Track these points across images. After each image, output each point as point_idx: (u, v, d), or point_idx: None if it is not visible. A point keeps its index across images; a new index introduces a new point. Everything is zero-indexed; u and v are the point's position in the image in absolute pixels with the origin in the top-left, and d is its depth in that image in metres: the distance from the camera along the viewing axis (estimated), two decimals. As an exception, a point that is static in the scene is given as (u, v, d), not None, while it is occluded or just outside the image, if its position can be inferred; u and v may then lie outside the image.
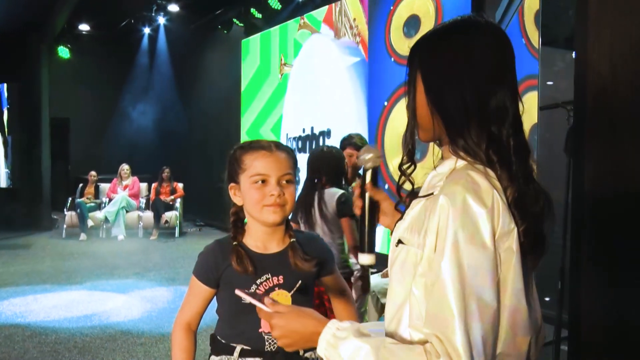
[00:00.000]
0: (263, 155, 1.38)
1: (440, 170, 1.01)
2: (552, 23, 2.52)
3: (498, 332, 0.91)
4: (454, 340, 0.86)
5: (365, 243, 1.15)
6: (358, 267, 2.89)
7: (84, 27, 10.22)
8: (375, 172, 1.17)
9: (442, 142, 1.04)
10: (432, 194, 0.98)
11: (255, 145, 1.42)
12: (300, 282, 1.41)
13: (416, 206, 1.01)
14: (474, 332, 0.86)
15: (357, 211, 1.17)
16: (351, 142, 3.38)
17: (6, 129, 9.92)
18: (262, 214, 1.38)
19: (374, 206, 1.17)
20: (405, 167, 1.09)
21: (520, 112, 0.99)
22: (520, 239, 0.92)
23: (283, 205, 1.37)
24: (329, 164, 2.87)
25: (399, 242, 1.02)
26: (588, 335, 1.53)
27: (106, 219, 8.54)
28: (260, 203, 1.37)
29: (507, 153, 0.95)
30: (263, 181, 1.37)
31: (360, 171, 1.21)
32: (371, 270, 3.11)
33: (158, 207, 8.70)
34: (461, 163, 0.97)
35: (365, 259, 1.14)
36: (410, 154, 1.07)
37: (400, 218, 1.07)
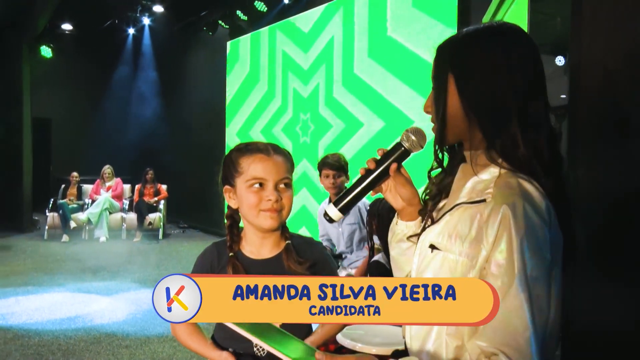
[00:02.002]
0: (260, 159, 1.36)
1: (483, 177, 0.98)
2: (539, 29, 2.57)
3: None
4: (529, 351, 0.86)
5: (346, 200, 1.09)
6: None
7: (67, 27, 10.11)
8: (406, 154, 1.09)
9: (476, 146, 1.01)
10: (482, 201, 0.95)
11: (252, 148, 1.39)
12: None
13: (456, 211, 0.98)
14: (541, 342, 0.88)
15: (362, 170, 1.11)
16: (325, 162, 3.33)
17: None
18: (259, 219, 1.36)
19: (380, 178, 1.10)
20: (434, 173, 1.08)
21: (554, 126, 1.00)
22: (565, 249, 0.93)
23: (280, 210, 1.35)
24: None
25: (433, 247, 0.99)
26: (579, 341, 1.56)
27: (89, 221, 8.45)
28: (257, 207, 1.35)
29: (548, 163, 0.96)
30: (260, 185, 1.35)
31: (396, 145, 1.11)
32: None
33: (141, 208, 8.63)
34: (504, 170, 0.96)
35: (334, 213, 1.09)
36: (440, 161, 1.05)
37: (433, 222, 1.04)
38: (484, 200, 0.94)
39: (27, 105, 9.27)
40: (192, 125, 10.15)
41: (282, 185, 1.36)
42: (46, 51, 10.00)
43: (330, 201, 3.38)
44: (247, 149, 1.40)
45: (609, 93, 1.47)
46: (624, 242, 1.55)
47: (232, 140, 8.64)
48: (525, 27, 2.70)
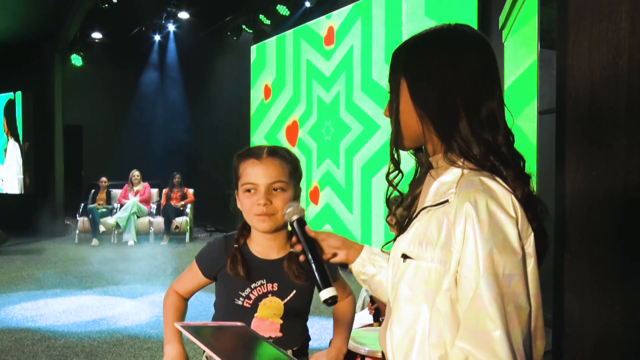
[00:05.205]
0: (252, 164, 1.39)
1: (445, 179, 0.98)
2: (551, 25, 2.52)
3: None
4: (497, 350, 0.86)
5: (319, 280, 1.17)
6: None
7: (96, 35, 10.36)
8: (301, 222, 1.22)
9: (434, 151, 1.02)
10: (445, 201, 0.95)
11: (247, 153, 1.43)
12: (294, 292, 1.43)
13: (423, 216, 0.98)
14: (516, 339, 0.87)
15: (301, 258, 1.19)
16: None
17: (20, 137, 10.07)
18: (253, 222, 1.41)
19: (313, 245, 1.20)
20: (392, 176, 1.07)
21: (509, 124, 0.99)
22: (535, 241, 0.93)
23: (272, 214, 1.38)
24: None
25: (405, 256, 0.98)
26: (572, 341, 1.53)
27: (117, 225, 8.63)
28: (250, 212, 1.39)
29: (506, 157, 0.96)
30: (253, 189, 1.38)
31: (291, 226, 1.27)
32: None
33: (169, 212, 8.77)
34: (466, 170, 0.96)
35: (326, 294, 1.16)
36: (396, 163, 1.06)
37: (404, 231, 1.04)
38: (447, 201, 0.94)
39: (58, 113, 9.53)
40: (218, 130, 10.28)
41: (274, 189, 1.38)
42: (77, 60, 10.27)
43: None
44: (244, 154, 1.44)
45: (594, 92, 1.44)
46: (614, 242, 1.53)
47: (258, 143, 8.72)
48: (535, 23, 2.66)
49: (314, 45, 7.30)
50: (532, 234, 0.93)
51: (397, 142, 1.04)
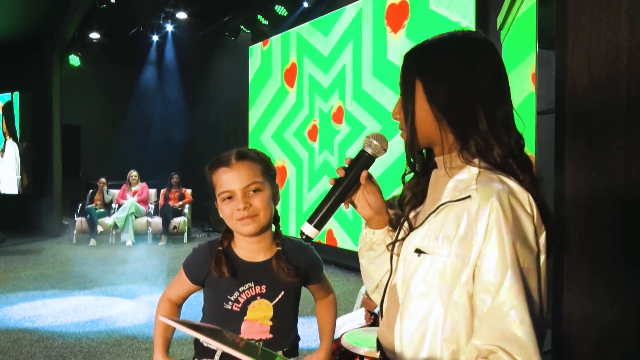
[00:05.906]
0: (223, 172, 1.41)
1: (462, 176, 1.00)
2: (549, 26, 2.53)
3: None
4: (529, 343, 0.87)
5: (319, 216, 1.08)
6: None
7: (94, 35, 10.34)
8: (371, 160, 1.09)
9: (450, 149, 1.03)
10: (466, 197, 0.96)
11: (217, 162, 1.45)
12: (283, 293, 1.44)
13: (441, 212, 0.99)
14: (535, 332, 0.88)
15: (331, 181, 1.10)
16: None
17: (18, 136, 10.05)
18: (237, 228, 1.42)
19: (352, 185, 1.08)
20: (407, 178, 1.09)
21: (520, 130, 1.02)
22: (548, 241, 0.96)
23: (254, 215, 1.39)
24: None
25: (419, 251, 0.99)
26: (571, 341, 1.54)
27: (115, 225, 8.62)
28: (232, 218, 1.40)
29: (522, 161, 0.98)
30: (230, 196, 1.40)
31: (360, 153, 1.10)
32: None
33: (167, 212, 8.76)
34: (482, 169, 0.98)
35: (310, 230, 1.07)
36: (412, 165, 1.08)
37: (412, 227, 1.05)
38: (468, 197, 0.95)
39: (56, 113, 9.50)
40: (216, 130, 10.27)
41: (251, 192, 1.40)
42: (74, 60, 10.26)
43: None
44: (214, 164, 1.46)
45: (594, 92, 1.45)
46: (614, 242, 1.53)
47: (254, 143, 8.73)
48: (533, 23, 2.67)
49: (311, 24, 7.23)
50: (545, 231, 0.95)
51: (412, 143, 1.05)
